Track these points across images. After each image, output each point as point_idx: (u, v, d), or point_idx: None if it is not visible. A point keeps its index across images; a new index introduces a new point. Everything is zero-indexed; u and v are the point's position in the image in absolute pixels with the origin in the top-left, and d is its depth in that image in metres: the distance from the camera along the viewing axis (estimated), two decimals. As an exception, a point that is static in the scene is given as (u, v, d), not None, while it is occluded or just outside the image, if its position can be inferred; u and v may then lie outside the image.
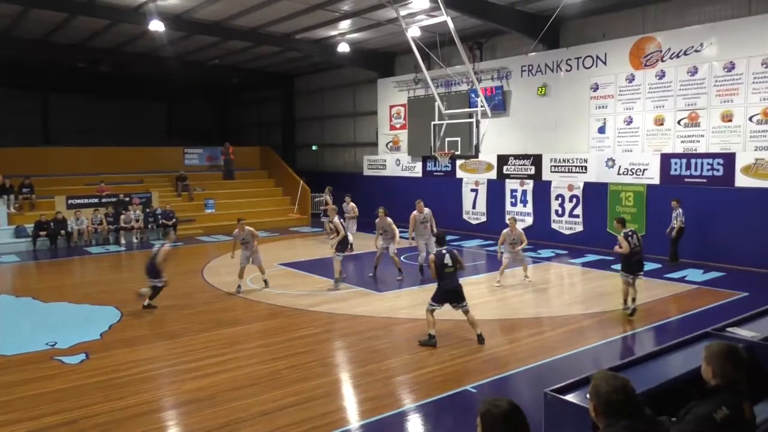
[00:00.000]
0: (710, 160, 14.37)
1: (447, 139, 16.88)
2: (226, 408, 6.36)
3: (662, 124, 15.33)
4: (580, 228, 17.09)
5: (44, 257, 17.16)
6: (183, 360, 7.99)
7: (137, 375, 7.43)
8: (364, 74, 24.45)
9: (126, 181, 22.67)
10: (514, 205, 18.77)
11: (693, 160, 14.67)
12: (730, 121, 14.08)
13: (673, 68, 14.93)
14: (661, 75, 15.18)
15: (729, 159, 14.01)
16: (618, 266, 13.90)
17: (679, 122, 15.01)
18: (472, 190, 20.08)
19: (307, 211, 24.19)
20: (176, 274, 14.56)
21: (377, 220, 13.39)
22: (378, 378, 7.27)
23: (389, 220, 13.30)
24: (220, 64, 25.71)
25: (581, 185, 16.93)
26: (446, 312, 8.60)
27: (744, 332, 5.20)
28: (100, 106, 30.64)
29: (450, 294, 8.45)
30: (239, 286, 11.98)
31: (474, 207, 20.05)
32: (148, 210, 20.35)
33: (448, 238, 12.55)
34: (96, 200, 20.26)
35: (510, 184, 18.88)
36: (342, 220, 13.54)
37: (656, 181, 15.33)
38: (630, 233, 9.89)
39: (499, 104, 18.63)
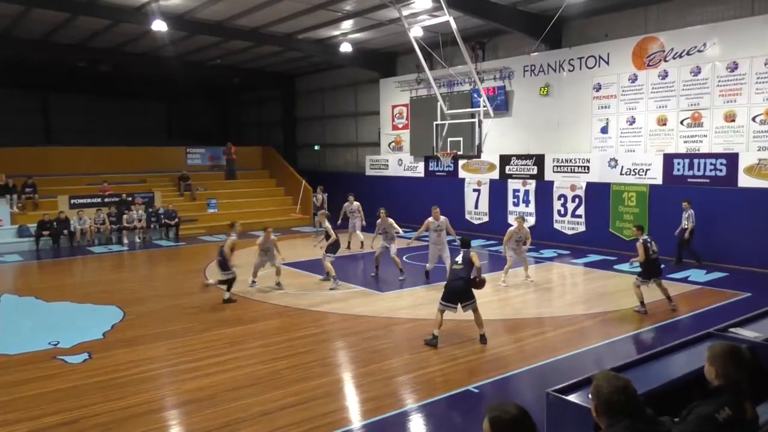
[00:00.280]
0: (713, 161, 14.33)
1: (449, 139, 16.85)
2: (226, 408, 6.36)
3: (665, 125, 15.29)
4: (582, 228, 17.06)
5: (47, 257, 17.19)
6: (184, 360, 7.98)
7: (138, 375, 7.42)
8: (365, 74, 24.44)
9: (128, 180, 22.72)
10: (516, 205, 18.75)
11: (696, 161, 14.63)
12: (733, 121, 14.04)
13: (675, 68, 14.90)
14: (664, 75, 15.15)
15: (732, 159, 13.97)
16: (620, 266, 14.05)
17: (681, 122, 14.97)
18: (475, 190, 20.07)
19: (309, 211, 24.17)
20: (178, 273, 14.62)
21: (378, 221, 13.44)
22: (379, 378, 7.26)
23: (390, 220, 13.35)
24: (220, 64, 25.73)
25: (584, 185, 16.90)
26: (449, 313, 8.58)
27: (747, 333, 5.19)
28: (101, 106, 30.69)
29: (456, 293, 8.44)
30: (254, 281, 12.18)
31: (476, 207, 20.03)
32: (150, 210, 20.38)
33: (449, 238, 12.59)
34: (99, 200, 20.29)
35: (512, 184, 18.85)
36: (345, 221, 13.63)
37: (659, 181, 15.29)
38: (649, 240, 9.96)
39: (502, 104, 18.61)
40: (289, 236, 20.41)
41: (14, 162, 20.54)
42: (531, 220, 17.91)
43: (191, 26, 19.07)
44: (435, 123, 16.89)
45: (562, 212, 17.51)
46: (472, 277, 8.56)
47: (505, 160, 19.07)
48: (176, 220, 20.22)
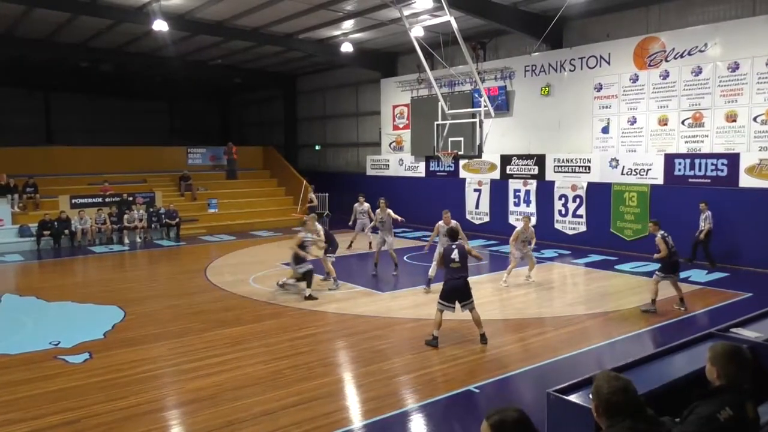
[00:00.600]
0: (714, 161, 14.33)
1: (450, 139, 16.83)
2: (227, 408, 6.36)
3: (666, 125, 15.29)
4: (583, 228, 17.06)
5: (48, 256, 17.20)
6: (185, 360, 7.98)
7: (139, 375, 7.43)
8: (366, 74, 24.45)
9: (129, 180, 22.73)
10: (517, 205, 18.75)
11: (697, 161, 14.62)
12: (735, 121, 14.03)
13: (677, 68, 14.89)
14: (665, 75, 15.14)
15: (733, 159, 13.97)
16: (621, 266, 14.05)
17: (683, 122, 14.97)
18: (476, 190, 20.07)
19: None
20: (179, 273, 14.63)
21: (377, 210, 13.55)
22: (380, 378, 7.26)
23: (389, 211, 13.57)
24: (222, 64, 25.75)
25: (584, 185, 16.90)
26: (449, 313, 8.59)
27: (748, 333, 5.18)
28: (102, 106, 30.73)
29: (456, 291, 8.42)
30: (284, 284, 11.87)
31: (477, 207, 20.04)
32: (151, 209, 20.39)
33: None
34: (99, 200, 20.30)
35: (513, 184, 18.85)
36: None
37: (660, 181, 15.29)
38: (666, 235, 9.97)
39: (503, 104, 18.61)
40: (290, 236, 20.37)
41: (15, 162, 20.57)
42: (532, 220, 17.87)
43: (192, 26, 19.08)
44: (436, 123, 16.89)
45: (563, 212, 17.51)
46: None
47: (506, 160, 19.07)
48: (177, 220, 20.22)
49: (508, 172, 19.04)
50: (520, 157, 18.69)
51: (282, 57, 24.60)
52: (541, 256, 15.52)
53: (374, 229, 14.02)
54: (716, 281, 12.47)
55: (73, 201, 19.66)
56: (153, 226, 20.06)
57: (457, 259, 8.46)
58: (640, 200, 15.65)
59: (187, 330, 9.38)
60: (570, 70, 17.22)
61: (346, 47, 20.32)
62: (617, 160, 16.17)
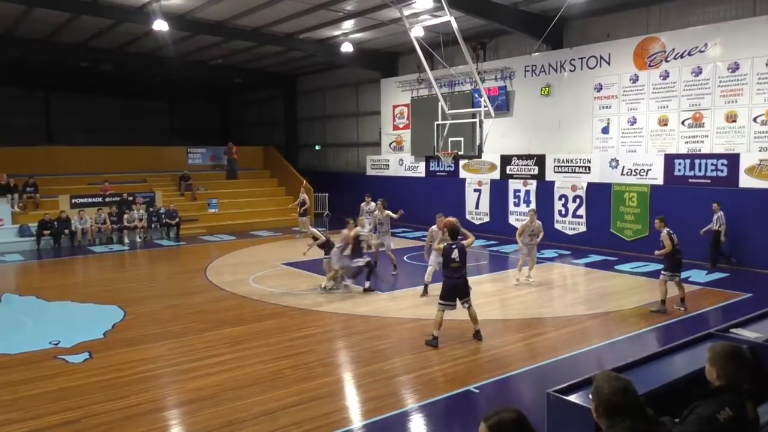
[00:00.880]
0: (714, 161, 14.33)
1: (450, 139, 16.82)
2: (227, 407, 6.36)
3: (666, 125, 15.29)
4: (583, 228, 17.05)
5: (48, 256, 17.20)
6: (185, 359, 7.98)
7: (139, 374, 7.43)
8: (366, 74, 24.45)
9: (129, 180, 22.73)
10: (517, 205, 18.75)
11: (697, 161, 14.62)
12: (735, 121, 14.03)
13: (677, 69, 14.89)
14: (665, 75, 15.14)
15: (733, 160, 13.97)
16: (621, 267, 14.05)
17: (683, 123, 14.97)
18: (476, 191, 20.07)
19: (310, 211, 24.15)
20: (179, 273, 14.63)
21: (375, 212, 13.56)
22: (380, 378, 7.26)
23: (388, 211, 13.59)
24: (222, 64, 25.74)
25: (584, 185, 16.90)
26: (449, 312, 8.59)
27: (748, 333, 5.18)
28: (102, 106, 30.73)
29: (456, 290, 8.44)
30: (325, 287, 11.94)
31: (477, 207, 20.03)
32: (151, 209, 20.39)
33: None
34: (99, 199, 20.31)
35: (513, 185, 18.85)
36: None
37: (660, 181, 15.29)
38: (672, 232, 10.00)
39: (503, 104, 18.61)
40: (290, 236, 20.41)
41: (15, 161, 20.57)
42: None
43: (192, 26, 19.08)
44: (436, 123, 16.88)
45: (563, 212, 17.50)
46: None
47: (506, 160, 19.07)
48: (177, 219, 20.22)
49: (508, 172, 19.04)
50: (520, 157, 18.69)
51: (282, 57, 24.59)
52: (541, 256, 15.50)
53: (374, 230, 14.01)
54: (716, 281, 12.47)
55: (73, 201, 19.66)
56: (153, 225, 20.06)
57: (458, 259, 8.48)
58: (640, 200, 15.65)
59: (187, 330, 9.39)
60: (570, 71, 17.22)
61: (346, 47, 20.32)
62: (617, 161, 16.17)
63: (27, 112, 28.70)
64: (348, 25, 19.40)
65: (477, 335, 8.51)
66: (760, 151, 13.65)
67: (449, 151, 16.77)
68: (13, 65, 24.60)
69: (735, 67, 13.92)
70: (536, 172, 18.18)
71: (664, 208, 14.68)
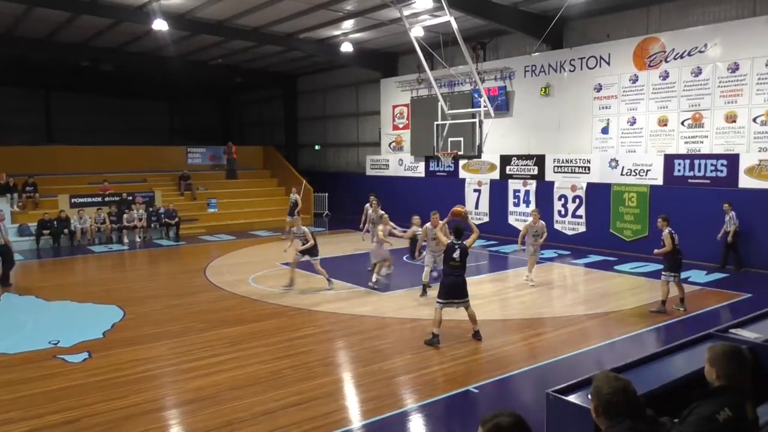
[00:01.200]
0: (714, 161, 14.33)
1: (450, 139, 16.84)
2: (227, 407, 6.36)
3: (666, 125, 15.29)
4: (583, 228, 17.06)
5: (47, 256, 17.20)
6: (185, 359, 7.98)
7: (139, 374, 7.43)
8: (366, 74, 24.45)
9: (129, 180, 22.72)
10: (516, 205, 18.75)
11: (697, 161, 14.63)
12: (734, 122, 14.04)
13: (676, 69, 14.90)
14: (665, 76, 15.15)
15: (733, 160, 13.98)
16: (621, 267, 14.05)
17: (682, 123, 14.97)
18: (475, 191, 20.07)
19: (310, 211, 24.19)
20: (178, 273, 14.63)
21: (370, 212, 13.57)
22: (380, 378, 7.26)
23: (381, 212, 13.57)
24: (222, 64, 25.73)
25: (584, 186, 16.90)
26: (448, 312, 8.59)
27: (747, 333, 5.17)
28: (102, 105, 30.71)
29: (453, 288, 8.43)
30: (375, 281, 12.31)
31: (477, 207, 20.03)
32: (151, 209, 20.38)
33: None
34: (99, 199, 20.30)
35: (513, 185, 18.86)
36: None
37: (659, 181, 15.29)
38: (674, 232, 10.02)
39: (502, 104, 18.61)
40: (290, 236, 20.36)
41: (15, 161, 20.56)
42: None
43: (192, 26, 19.08)
44: (436, 123, 16.89)
45: (563, 213, 17.51)
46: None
47: (505, 160, 19.07)
48: (176, 219, 20.22)
49: (507, 172, 19.04)
50: (519, 157, 18.70)
51: (282, 57, 24.59)
52: (541, 257, 15.45)
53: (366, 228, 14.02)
54: (716, 282, 12.48)
55: (73, 200, 19.66)
56: (152, 225, 20.06)
57: (458, 258, 8.49)
58: (639, 201, 15.66)
59: (187, 330, 9.38)
60: (570, 71, 17.22)
61: (346, 47, 20.32)
62: (617, 161, 16.18)
63: (27, 111, 28.69)
64: (348, 25, 19.40)
65: (476, 335, 8.53)
66: (759, 151, 13.65)
67: (449, 151, 16.78)
68: (13, 65, 24.57)
69: (735, 68, 13.92)
70: (536, 172, 18.19)
71: (664, 209, 14.65)
